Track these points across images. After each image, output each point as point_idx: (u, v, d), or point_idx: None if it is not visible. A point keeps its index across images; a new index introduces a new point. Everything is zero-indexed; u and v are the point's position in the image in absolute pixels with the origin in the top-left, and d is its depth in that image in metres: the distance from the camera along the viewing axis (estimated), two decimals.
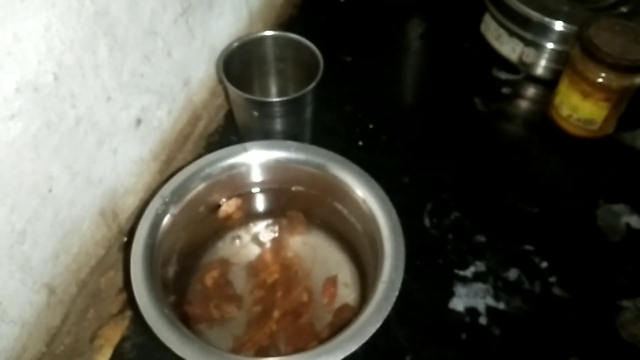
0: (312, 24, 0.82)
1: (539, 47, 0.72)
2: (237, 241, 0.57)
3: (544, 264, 0.57)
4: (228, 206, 0.56)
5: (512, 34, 0.73)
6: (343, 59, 0.79)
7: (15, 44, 0.36)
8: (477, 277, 0.56)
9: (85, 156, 0.47)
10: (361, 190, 0.51)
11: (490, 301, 0.55)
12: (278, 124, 0.60)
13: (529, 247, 0.59)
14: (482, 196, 0.63)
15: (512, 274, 0.57)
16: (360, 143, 0.68)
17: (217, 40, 0.65)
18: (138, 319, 0.51)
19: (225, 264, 0.55)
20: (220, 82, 0.67)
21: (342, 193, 0.52)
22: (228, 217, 0.56)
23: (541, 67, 0.73)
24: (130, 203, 0.56)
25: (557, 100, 0.67)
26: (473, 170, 0.66)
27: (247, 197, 0.57)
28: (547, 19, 0.69)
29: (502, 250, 0.58)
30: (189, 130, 0.65)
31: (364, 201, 0.51)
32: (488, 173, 0.66)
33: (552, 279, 0.56)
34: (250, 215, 0.58)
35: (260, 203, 0.58)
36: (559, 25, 0.69)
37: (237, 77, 0.59)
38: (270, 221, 0.58)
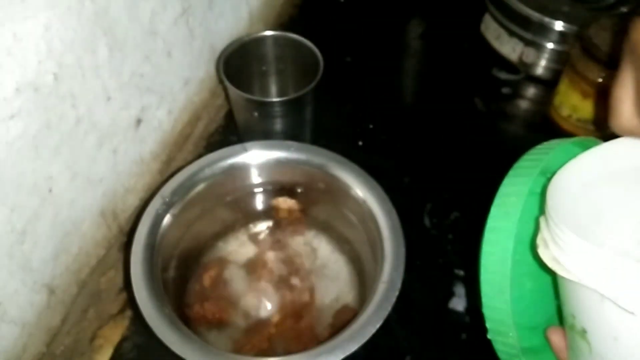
0: (312, 24, 0.82)
1: (539, 47, 0.72)
2: (238, 240, 0.57)
3: None
4: (284, 202, 0.56)
5: (512, 34, 0.73)
6: (343, 59, 0.79)
7: (15, 44, 0.36)
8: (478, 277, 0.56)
9: (85, 156, 0.47)
10: (361, 190, 0.51)
11: None
12: (278, 124, 0.60)
13: None
14: (482, 196, 0.63)
15: None
16: (360, 143, 0.68)
17: (217, 40, 0.65)
18: (138, 319, 0.51)
19: (225, 264, 0.55)
20: (220, 82, 0.67)
21: (342, 193, 0.52)
22: (278, 209, 0.57)
23: (541, 67, 0.73)
24: (131, 203, 0.56)
25: (557, 100, 0.67)
26: (473, 170, 0.66)
27: (253, 199, 0.57)
28: (547, 19, 0.69)
29: None
30: (189, 131, 0.65)
31: (364, 201, 0.51)
32: (488, 173, 0.66)
33: None
34: (250, 216, 0.58)
35: (260, 203, 0.58)
36: (559, 25, 0.69)
37: (237, 77, 0.59)
38: (269, 221, 0.58)
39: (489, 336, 0.38)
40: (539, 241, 0.34)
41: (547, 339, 0.38)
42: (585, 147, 0.37)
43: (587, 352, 0.32)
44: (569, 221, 0.32)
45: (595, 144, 0.37)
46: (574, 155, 0.36)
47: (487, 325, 0.38)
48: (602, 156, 0.35)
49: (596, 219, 0.32)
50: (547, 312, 0.42)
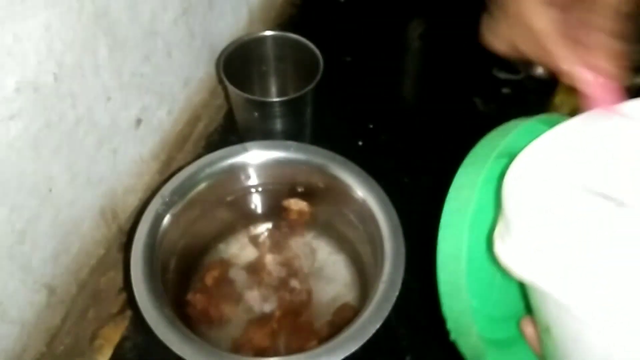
0: (312, 24, 0.82)
1: None
2: (238, 241, 0.57)
3: None
4: (295, 203, 0.56)
5: None
6: (343, 59, 0.79)
7: (15, 44, 0.36)
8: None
9: (85, 156, 0.47)
10: (361, 191, 0.51)
11: None
12: (278, 124, 0.60)
13: None
14: None
15: None
16: (360, 143, 0.68)
17: (217, 40, 0.65)
18: (138, 319, 0.51)
19: (225, 263, 0.55)
20: (220, 82, 0.67)
21: (342, 193, 0.52)
22: (288, 210, 0.56)
23: (541, 67, 0.73)
24: (130, 203, 0.56)
25: (557, 100, 0.67)
26: None
27: (249, 198, 0.57)
28: None
29: None
30: (189, 131, 0.65)
31: (364, 201, 0.51)
32: None
33: None
34: (250, 215, 0.58)
35: (260, 203, 0.58)
36: None
37: (237, 77, 0.59)
38: (269, 221, 0.58)
39: (451, 338, 0.37)
40: (495, 235, 0.32)
41: (520, 330, 0.37)
42: (551, 124, 0.34)
43: (553, 348, 0.31)
44: (526, 214, 0.30)
45: (561, 121, 0.34)
46: (538, 135, 0.34)
47: (448, 326, 0.37)
48: (565, 135, 0.33)
49: (556, 208, 0.31)
50: (519, 303, 0.41)
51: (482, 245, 0.38)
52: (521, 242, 0.30)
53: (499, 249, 0.31)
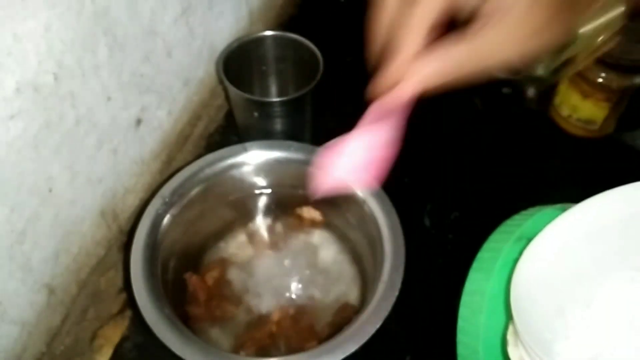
0: (312, 24, 0.82)
1: None
2: (238, 241, 0.57)
3: None
4: (308, 212, 0.56)
5: None
6: (343, 59, 0.78)
7: (15, 44, 0.36)
8: None
9: (85, 156, 0.47)
10: (361, 191, 0.51)
11: None
12: (278, 124, 0.60)
13: None
14: (482, 196, 0.63)
15: None
16: None
17: (217, 40, 0.65)
18: (138, 319, 0.51)
19: (225, 263, 0.55)
20: (220, 82, 0.67)
21: (342, 193, 0.52)
22: (301, 218, 0.57)
23: (541, 67, 0.73)
24: (131, 203, 0.56)
25: (557, 100, 0.67)
26: (473, 170, 0.66)
27: (253, 199, 0.57)
28: None
29: None
30: (189, 131, 0.65)
31: (364, 201, 0.51)
32: (488, 173, 0.66)
33: None
34: (250, 215, 0.58)
35: (259, 203, 0.58)
36: None
37: (237, 77, 0.59)
38: (270, 221, 0.58)
39: None
40: (508, 337, 0.34)
41: None
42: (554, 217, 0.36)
43: None
44: (532, 317, 0.31)
45: (557, 215, 0.36)
46: (550, 220, 0.35)
47: None
48: (563, 231, 0.35)
49: (564, 304, 0.32)
50: None
51: (498, 339, 0.39)
52: (530, 352, 0.31)
53: (512, 352, 0.33)
